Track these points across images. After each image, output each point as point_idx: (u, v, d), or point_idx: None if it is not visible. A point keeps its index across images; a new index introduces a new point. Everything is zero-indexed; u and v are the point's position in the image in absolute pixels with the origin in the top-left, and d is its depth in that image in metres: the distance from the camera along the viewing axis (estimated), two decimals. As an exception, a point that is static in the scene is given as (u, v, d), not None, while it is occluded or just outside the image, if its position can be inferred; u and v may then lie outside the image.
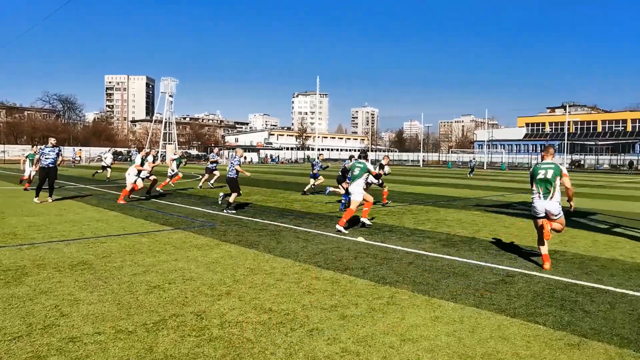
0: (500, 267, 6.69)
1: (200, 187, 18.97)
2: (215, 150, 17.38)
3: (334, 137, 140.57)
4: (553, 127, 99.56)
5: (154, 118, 78.46)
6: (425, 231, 9.63)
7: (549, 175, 6.71)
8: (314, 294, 5.31)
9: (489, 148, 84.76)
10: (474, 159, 47.37)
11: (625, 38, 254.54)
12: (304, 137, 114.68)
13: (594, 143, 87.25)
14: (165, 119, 66.54)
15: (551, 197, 6.71)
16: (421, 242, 8.45)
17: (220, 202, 12.90)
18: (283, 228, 9.65)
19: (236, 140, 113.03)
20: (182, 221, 10.40)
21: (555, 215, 6.75)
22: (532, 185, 6.92)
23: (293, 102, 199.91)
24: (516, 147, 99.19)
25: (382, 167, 14.60)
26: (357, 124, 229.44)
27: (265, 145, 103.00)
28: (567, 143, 66.87)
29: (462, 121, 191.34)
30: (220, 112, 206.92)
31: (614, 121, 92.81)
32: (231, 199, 12.10)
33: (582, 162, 73.31)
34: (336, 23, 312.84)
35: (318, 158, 18.14)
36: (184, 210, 12.19)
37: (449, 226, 10.40)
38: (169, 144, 66.17)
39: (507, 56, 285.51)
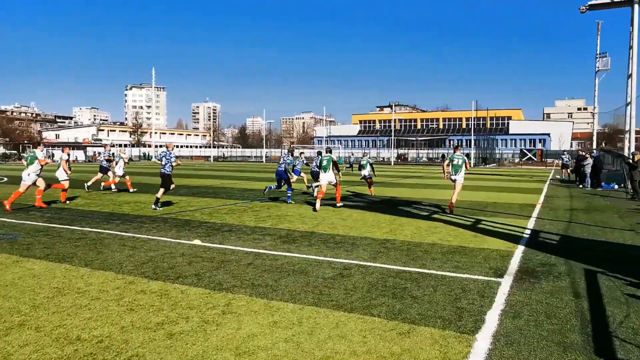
0: (338, 260, 6.79)
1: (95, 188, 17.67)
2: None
3: (174, 133, 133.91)
4: (382, 124, 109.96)
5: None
6: (266, 228, 9.43)
7: (459, 162, 12.68)
8: (138, 312, 4.61)
9: (327, 143, 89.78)
10: (352, 154, 49.12)
11: (438, 47, 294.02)
12: (139, 132, 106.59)
13: (415, 139, 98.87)
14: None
15: (458, 173, 12.61)
16: (261, 240, 8.20)
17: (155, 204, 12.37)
18: (107, 235, 8.49)
19: (57, 136, 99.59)
20: (-29, 235, 8.42)
21: (459, 181, 12.63)
22: (449, 166, 12.79)
23: (126, 95, 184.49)
24: (351, 142, 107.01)
25: (362, 166, 17.60)
26: (198, 119, 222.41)
27: (93, 141, 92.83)
28: (394, 139, 74.42)
29: (303, 118, 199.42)
30: (35, 104, 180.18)
31: (430, 120, 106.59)
32: (159, 195, 12.38)
33: (406, 156, 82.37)
34: (173, 14, 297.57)
35: (301, 156, 18.87)
36: (-24, 221, 9.96)
37: (290, 222, 10.37)
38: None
39: (342, 56, 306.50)
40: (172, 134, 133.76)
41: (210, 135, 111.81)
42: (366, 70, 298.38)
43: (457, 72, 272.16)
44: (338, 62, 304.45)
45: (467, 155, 66.88)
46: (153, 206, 12.26)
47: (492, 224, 10.51)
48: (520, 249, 7.69)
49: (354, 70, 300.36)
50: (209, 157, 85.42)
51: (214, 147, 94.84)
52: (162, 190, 12.40)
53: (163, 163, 12.45)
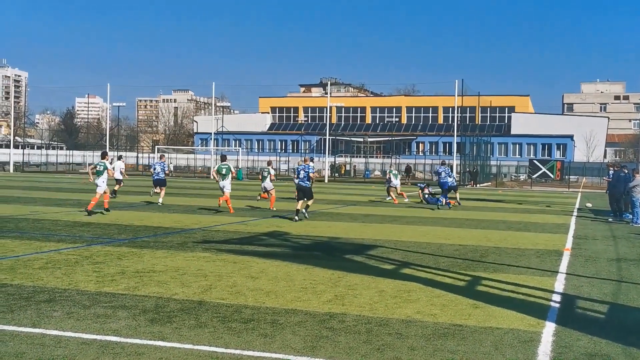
0: (249, 353, 6.55)
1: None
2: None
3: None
4: (309, 114, 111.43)
5: None
6: (117, 295, 9.10)
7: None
8: None
9: (220, 145, 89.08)
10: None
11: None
12: None
13: (362, 139, 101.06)
14: None
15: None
16: (111, 317, 7.83)
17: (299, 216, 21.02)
18: None
19: None
20: None
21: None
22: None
23: None
24: (259, 143, 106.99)
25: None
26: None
27: None
28: (330, 139, 75.25)
29: (175, 101, 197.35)
30: None
31: (387, 109, 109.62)
32: (310, 202, 22.23)
33: (347, 167, 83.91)
34: None
35: (446, 165, 32.11)
36: None
37: (159, 283, 10.09)
38: None
39: (244, 5, 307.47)
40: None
41: (9, 125, 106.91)
42: (284, 30, 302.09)
43: (427, 36, 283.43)
44: (238, 17, 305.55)
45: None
46: (303, 212, 21.59)
47: (498, 284, 10.78)
48: (549, 328, 7.88)
49: (264, 30, 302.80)
50: (7, 163, 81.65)
51: (17, 146, 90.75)
52: (312, 200, 22.24)
53: (301, 176, 21.49)
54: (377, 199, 35.18)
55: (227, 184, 23.62)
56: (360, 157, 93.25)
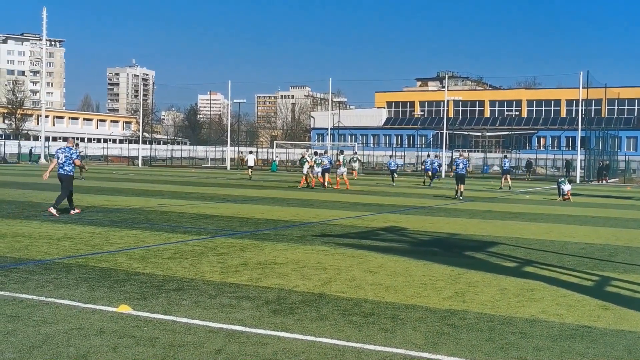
0: (371, 347, 6.56)
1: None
2: None
3: (77, 118, 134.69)
4: (426, 108, 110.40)
5: None
6: (240, 286, 9.30)
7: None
8: None
9: (335, 140, 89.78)
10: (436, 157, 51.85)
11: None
12: (19, 116, 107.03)
13: (480, 134, 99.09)
14: None
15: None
16: (235, 308, 8.02)
17: None
18: (-34, 294, 8.31)
19: None
20: None
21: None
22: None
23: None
24: (374, 137, 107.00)
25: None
26: (117, 95, 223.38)
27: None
28: (447, 133, 74.30)
29: (293, 97, 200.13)
30: None
31: (506, 102, 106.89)
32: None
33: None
34: None
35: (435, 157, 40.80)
36: None
37: (281, 274, 10.25)
38: None
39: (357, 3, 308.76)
40: (74, 118, 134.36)
41: (138, 122, 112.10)
42: (400, 24, 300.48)
43: (549, 27, 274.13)
44: (350, 12, 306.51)
45: (568, 162, 67.09)
46: (461, 194, 28.81)
47: (630, 285, 10.34)
48: (687, 333, 7.46)
49: (380, 24, 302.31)
50: (136, 158, 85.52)
51: (145, 141, 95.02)
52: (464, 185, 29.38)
53: (460, 167, 29.74)
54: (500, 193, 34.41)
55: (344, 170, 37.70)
56: (478, 151, 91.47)
